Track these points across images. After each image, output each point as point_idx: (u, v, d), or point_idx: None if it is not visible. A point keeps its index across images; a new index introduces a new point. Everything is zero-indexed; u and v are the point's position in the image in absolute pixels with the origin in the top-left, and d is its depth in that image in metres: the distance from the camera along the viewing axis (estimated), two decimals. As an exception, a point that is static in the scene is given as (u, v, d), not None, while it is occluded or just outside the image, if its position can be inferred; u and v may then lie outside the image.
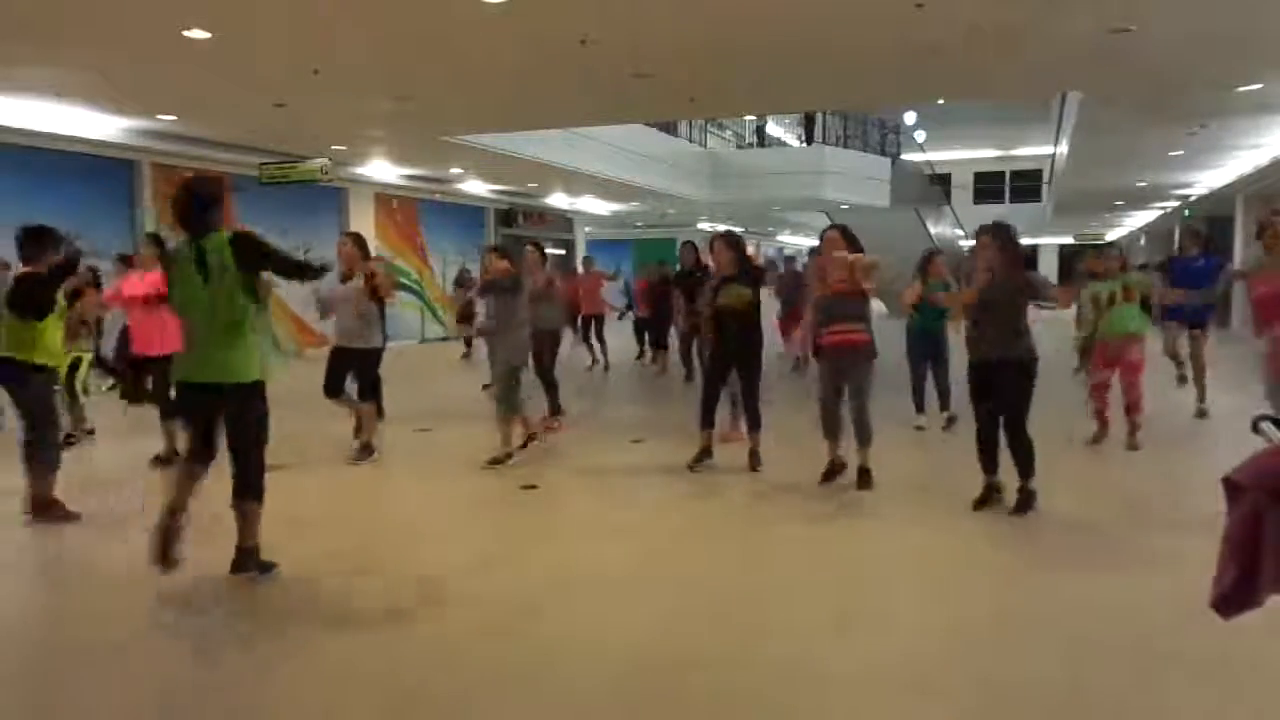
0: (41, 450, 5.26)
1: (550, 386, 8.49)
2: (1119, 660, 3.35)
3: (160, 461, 6.63)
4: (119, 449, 7.54)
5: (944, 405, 8.11)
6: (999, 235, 5.36)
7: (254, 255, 4.12)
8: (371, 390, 7.15)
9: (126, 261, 8.21)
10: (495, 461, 6.63)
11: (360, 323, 6.82)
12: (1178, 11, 7.40)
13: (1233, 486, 2.02)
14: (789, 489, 5.98)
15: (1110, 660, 3.35)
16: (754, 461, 6.45)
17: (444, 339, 19.40)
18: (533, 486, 6.08)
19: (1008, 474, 5.35)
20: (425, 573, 4.47)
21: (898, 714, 3.02)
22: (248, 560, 4.16)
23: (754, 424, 6.48)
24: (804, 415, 7.15)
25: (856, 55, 8.78)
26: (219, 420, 4.13)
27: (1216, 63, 9.32)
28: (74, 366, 7.79)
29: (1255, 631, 2.38)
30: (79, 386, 8.02)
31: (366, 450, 6.93)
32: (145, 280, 6.74)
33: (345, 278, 6.88)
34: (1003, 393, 5.25)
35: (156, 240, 6.97)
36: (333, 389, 6.88)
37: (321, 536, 5.10)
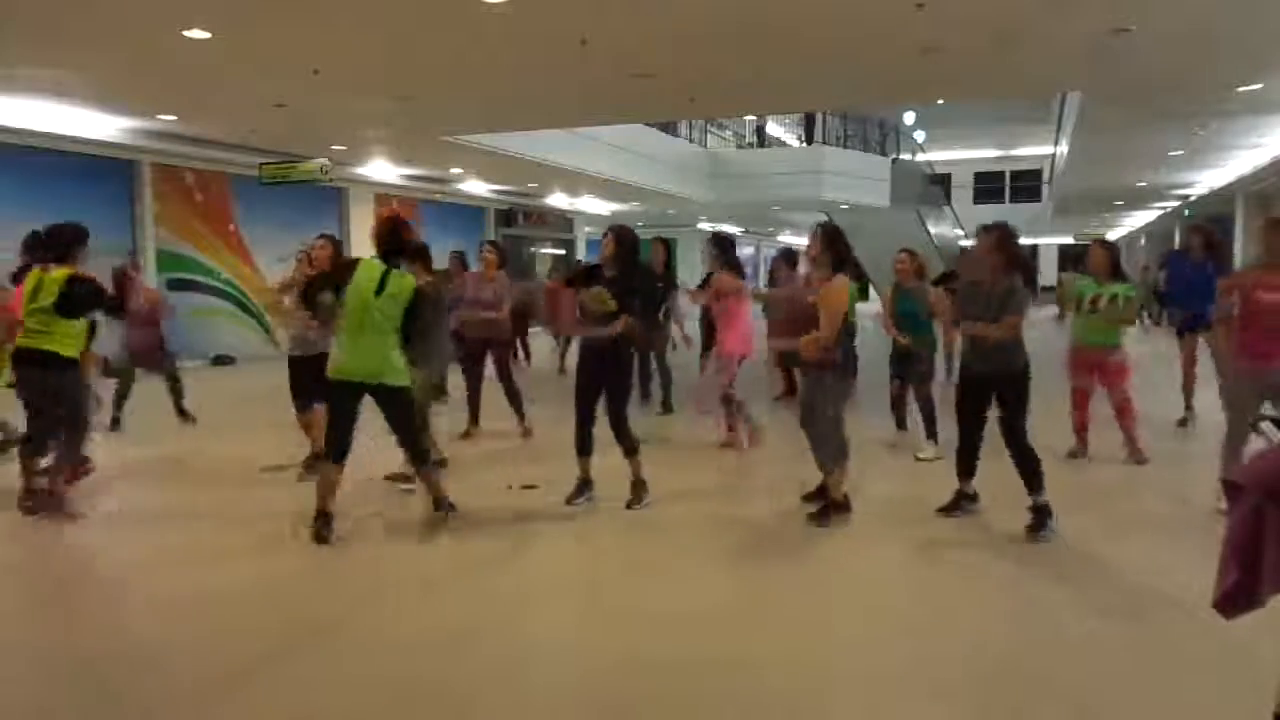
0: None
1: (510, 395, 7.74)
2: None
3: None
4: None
5: (928, 433, 6.96)
6: (991, 234, 4.97)
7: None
8: None
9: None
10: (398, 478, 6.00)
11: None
12: (1178, 11, 7.40)
13: (1233, 487, 2.02)
14: (788, 491, 5.99)
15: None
16: (637, 494, 5.56)
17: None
18: (533, 486, 6.08)
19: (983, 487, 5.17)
20: (425, 572, 4.48)
21: (897, 714, 3.03)
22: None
23: (627, 449, 5.55)
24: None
25: (856, 55, 8.77)
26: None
27: (1216, 63, 9.32)
28: None
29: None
30: None
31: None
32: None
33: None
34: (1001, 407, 4.93)
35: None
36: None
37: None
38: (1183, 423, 8.09)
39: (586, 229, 26.54)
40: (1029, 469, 4.87)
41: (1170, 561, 4.45)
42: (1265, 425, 7.32)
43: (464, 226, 21.28)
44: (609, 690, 3.20)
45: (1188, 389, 8.14)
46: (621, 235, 5.45)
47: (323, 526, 4.80)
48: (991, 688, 3.19)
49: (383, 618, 3.87)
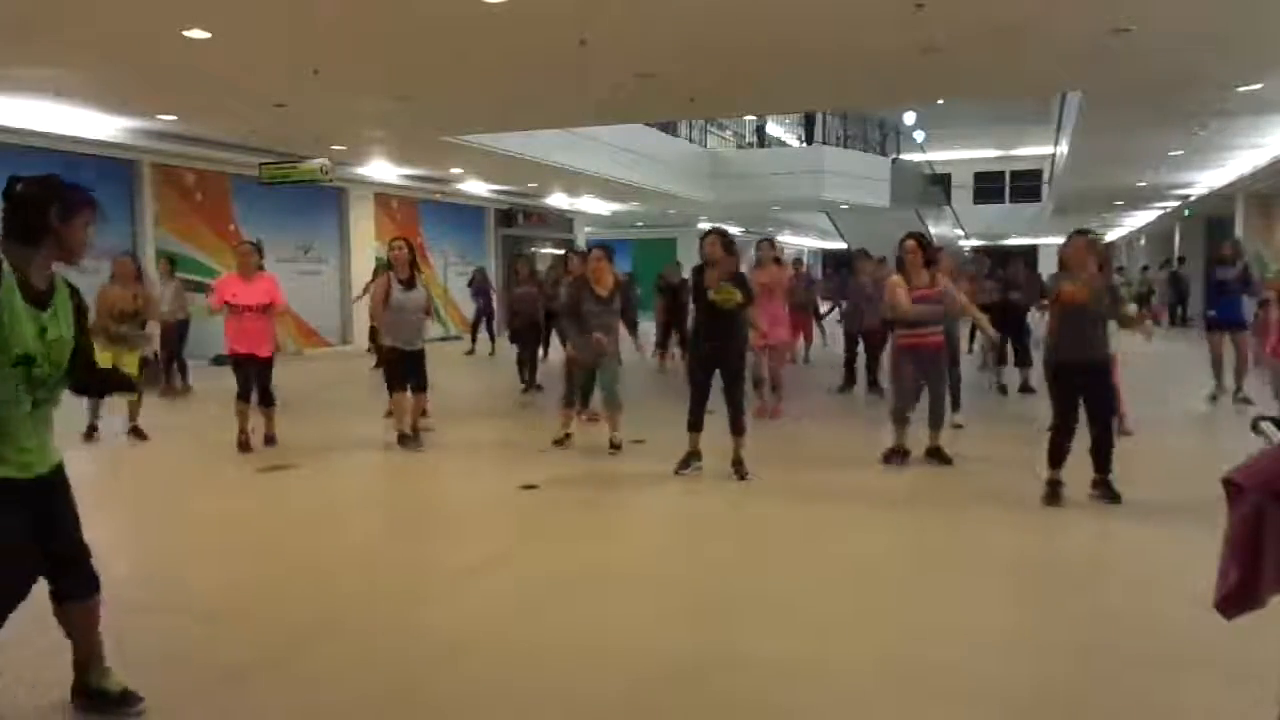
0: None
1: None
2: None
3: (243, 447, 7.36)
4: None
5: (954, 406, 7.89)
6: (1089, 237, 5.59)
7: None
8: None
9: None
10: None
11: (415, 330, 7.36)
12: (1178, 11, 7.39)
13: (1233, 487, 2.02)
14: (786, 487, 5.99)
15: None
16: (740, 470, 6.18)
17: (444, 338, 19.40)
18: (533, 486, 6.08)
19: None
20: (426, 573, 4.47)
21: (905, 714, 3.03)
22: None
23: (738, 430, 6.21)
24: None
25: (856, 55, 8.77)
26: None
27: (1216, 63, 9.31)
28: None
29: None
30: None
31: (420, 433, 7.53)
32: (255, 288, 7.44)
33: (408, 284, 7.28)
34: (1094, 394, 5.41)
35: (258, 248, 7.70)
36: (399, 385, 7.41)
37: (321, 536, 5.10)
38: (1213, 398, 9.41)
39: (586, 229, 26.53)
40: (1106, 450, 5.42)
41: (1174, 555, 4.45)
42: (1265, 425, 7.38)
43: (464, 226, 21.29)
44: (609, 691, 3.20)
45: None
46: (727, 238, 6.15)
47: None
48: (988, 687, 3.19)
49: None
